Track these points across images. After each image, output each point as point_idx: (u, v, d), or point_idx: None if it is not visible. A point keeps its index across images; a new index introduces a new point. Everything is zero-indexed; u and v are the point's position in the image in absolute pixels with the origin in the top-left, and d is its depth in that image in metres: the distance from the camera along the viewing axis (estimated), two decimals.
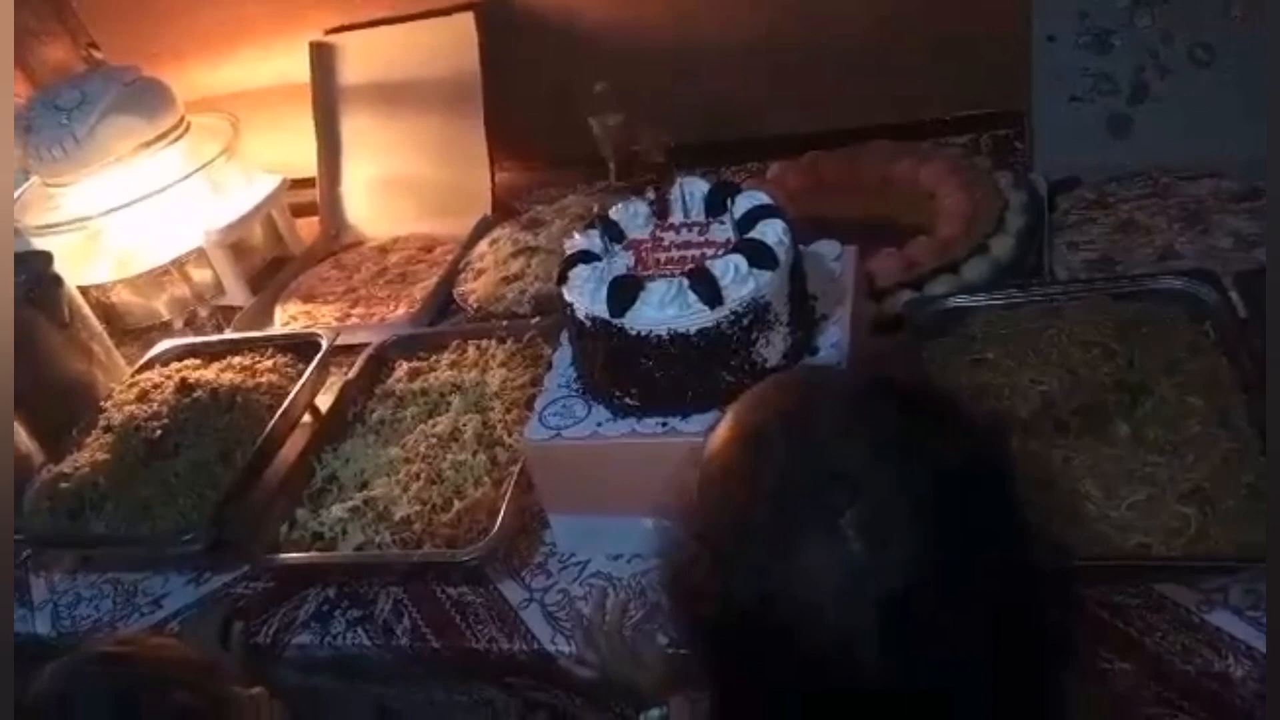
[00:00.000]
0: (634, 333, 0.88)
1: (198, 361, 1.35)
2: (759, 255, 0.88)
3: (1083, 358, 0.90)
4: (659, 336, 0.87)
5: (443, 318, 1.44)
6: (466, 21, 1.60)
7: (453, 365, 1.24)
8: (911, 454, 0.49)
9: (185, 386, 1.26)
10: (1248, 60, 1.21)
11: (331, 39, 1.72)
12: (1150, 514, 0.76)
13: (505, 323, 1.31)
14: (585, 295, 0.91)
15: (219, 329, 1.57)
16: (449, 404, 1.17)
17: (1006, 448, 0.53)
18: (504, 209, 1.63)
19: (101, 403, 1.30)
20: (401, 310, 1.45)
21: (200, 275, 1.63)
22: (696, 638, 0.54)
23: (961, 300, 1.04)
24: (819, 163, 1.41)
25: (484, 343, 1.26)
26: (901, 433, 0.50)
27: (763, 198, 0.96)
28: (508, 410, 1.14)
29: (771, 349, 0.90)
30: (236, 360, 1.33)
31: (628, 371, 0.91)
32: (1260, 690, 0.71)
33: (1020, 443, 0.84)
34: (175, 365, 1.35)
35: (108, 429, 1.25)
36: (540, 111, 1.69)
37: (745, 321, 0.87)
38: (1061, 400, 0.87)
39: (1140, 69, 1.25)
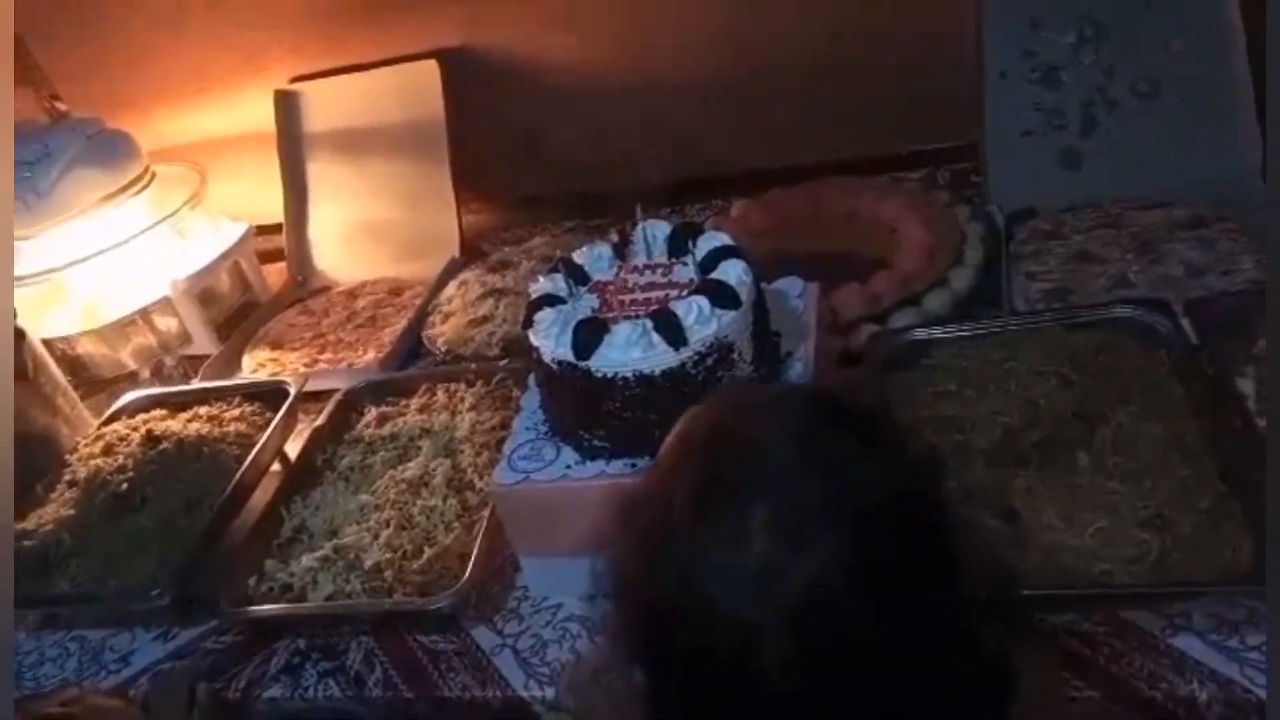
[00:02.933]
0: (600, 375, 0.88)
1: (164, 412, 1.34)
2: (721, 295, 0.89)
3: (1041, 388, 0.91)
4: (625, 378, 0.88)
5: (412, 361, 1.44)
6: (430, 68, 1.62)
7: (422, 409, 1.24)
8: (829, 469, 0.51)
9: (151, 438, 1.25)
10: (1189, 93, 1.25)
11: (296, 87, 1.73)
12: (1111, 541, 0.77)
13: (474, 366, 1.31)
14: (550, 339, 0.91)
15: (186, 378, 1.56)
16: (419, 448, 1.17)
17: (936, 475, 0.54)
18: (472, 251, 1.64)
19: (66, 456, 1.29)
20: (370, 355, 1.44)
21: (166, 324, 1.62)
22: (625, 628, 0.56)
23: (923, 333, 1.06)
24: (782, 199, 1.43)
25: (453, 386, 1.26)
26: (822, 447, 0.52)
27: (724, 238, 0.97)
28: (478, 453, 1.13)
29: None
30: (203, 410, 1.32)
31: (595, 413, 0.91)
32: (1225, 714, 0.72)
33: (982, 474, 0.86)
34: (141, 417, 1.34)
35: (73, 483, 1.23)
36: (505, 153, 1.71)
37: (709, 361, 0.88)
38: (1021, 431, 0.88)
39: (1088, 103, 1.29)
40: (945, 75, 1.38)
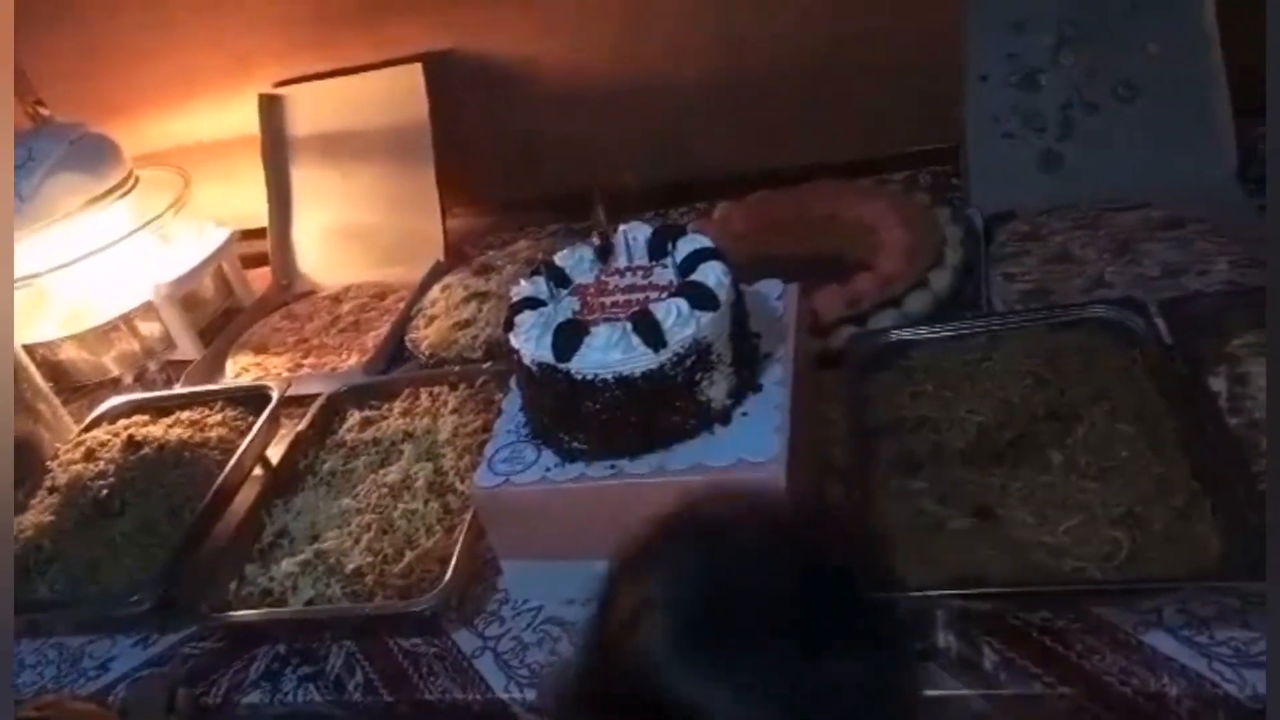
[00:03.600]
0: (580, 377, 0.89)
1: (145, 417, 1.34)
2: (700, 297, 0.90)
3: (1017, 388, 0.92)
4: (604, 380, 0.88)
5: (395, 365, 1.44)
6: (414, 72, 1.62)
7: (404, 413, 1.24)
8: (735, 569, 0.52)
9: (132, 444, 1.24)
10: (1167, 95, 1.26)
11: (280, 91, 1.73)
12: (1084, 538, 0.78)
13: (457, 369, 1.31)
14: (531, 341, 0.91)
15: (169, 383, 1.56)
16: (400, 452, 1.17)
17: (841, 572, 0.54)
18: (456, 255, 1.64)
19: (47, 463, 1.28)
20: (353, 359, 1.44)
21: (149, 329, 1.62)
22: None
23: (902, 334, 1.06)
24: (764, 202, 1.44)
25: (436, 389, 1.26)
26: (729, 560, 0.53)
27: (704, 241, 0.98)
28: (459, 457, 1.14)
29: (716, 388, 0.91)
30: (185, 415, 1.32)
31: (575, 416, 0.91)
32: (1195, 709, 0.73)
33: (958, 472, 0.86)
34: (123, 422, 1.33)
35: (53, 489, 1.23)
36: (490, 157, 1.72)
37: (688, 363, 0.88)
38: (996, 430, 0.89)
39: (1067, 106, 1.30)
40: (927, 79, 1.40)
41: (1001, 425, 0.89)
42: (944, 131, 1.41)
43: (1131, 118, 1.28)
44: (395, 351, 1.45)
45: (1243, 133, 1.24)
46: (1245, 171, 1.23)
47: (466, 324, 1.39)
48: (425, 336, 1.42)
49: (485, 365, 1.29)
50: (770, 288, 1.08)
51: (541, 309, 0.95)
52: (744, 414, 0.92)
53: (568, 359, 0.89)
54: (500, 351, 1.29)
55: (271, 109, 1.73)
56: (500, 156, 1.72)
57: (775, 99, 1.56)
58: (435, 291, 1.51)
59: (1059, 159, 1.31)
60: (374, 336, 1.48)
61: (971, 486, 0.85)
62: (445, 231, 1.65)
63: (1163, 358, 0.92)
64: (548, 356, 0.89)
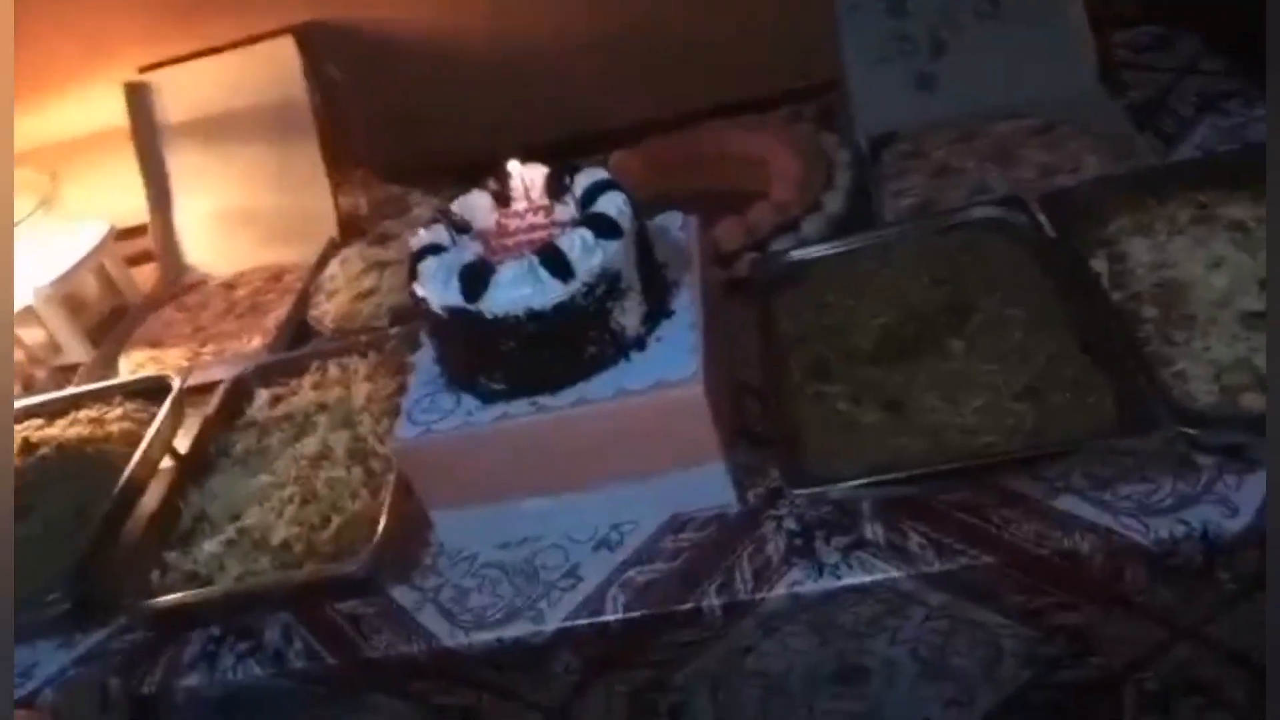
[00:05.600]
0: (491, 317, 0.89)
1: (40, 421, 1.28)
2: (603, 226, 0.90)
3: (914, 288, 0.96)
4: (517, 317, 0.88)
5: (300, 343, 1.40)
6: (286, 45, 1.58)
7: (315, 386, 1.21)
8: None
9: (29, 447, 1.19)
10: (1027, 9, 1.32)
11: (146, 77, 1.66)
12: (990, 416, 0.82)
13: (364, 337, 1.29)
14: (437, 286, 0.91)
15: (61, 389, 1.49)
16: (315, 424, 1.14)
17: None
18: (351, 230, 1.61)
19: None
20: (256, 342, 1.40)
21: (32, 336, 1.55)
22: None
23: (801, 254, 1.09)
24: (656, 147, 1.46)
25: (345, 360, 1.24)
26: None
27: (601, 174, 0.98)
28: (377, 421, 1.12)
29: (628, 316, 0.92)
30: (83, 414, 1.27)
31: (491, 356, 0.91)
32: (1105, 561, 0.78)
33: (866, 371, 0.90)
34: (15, 428, 1.27)
35: None
36: (374, 129, 1.68)
37: (598, 292, 0.89)
38: (899, 328, 0.93)
39: (935, 28, 1.35)
40: (805, 16, 1.43)
41: (903, 323, 0.93)
42: (823, 64, 1.44)
43: (996, 33, 1.33)
44: (299, 330, 1.42)
45: (1100, 41, 1.31)
46: (1105, 75, 1.30)
47: (369, 293, 1.37)
48: (328, 311, 1.39)
49: (393, 330, 1.27)
50: (671, 220, 1.09)
51: (444, 254, 0.95)
52: (658, 339, 0.93)
53: (476, 299, 0.88)
54: (406, 316, 1.28)
55: (138, 97, 1.66)
56: (384, 128, 1.68)
57: (658, 49, 1.58)
58: (334, 266, 1.48)
59: (933, 79, 1.35)
60: (274, 317, 1.44)
61: (881, 382, 0.89)
62: (337, 207, 1.61)
63: (1046, 246, 0.97)
64: (457, 299, 0.89)
